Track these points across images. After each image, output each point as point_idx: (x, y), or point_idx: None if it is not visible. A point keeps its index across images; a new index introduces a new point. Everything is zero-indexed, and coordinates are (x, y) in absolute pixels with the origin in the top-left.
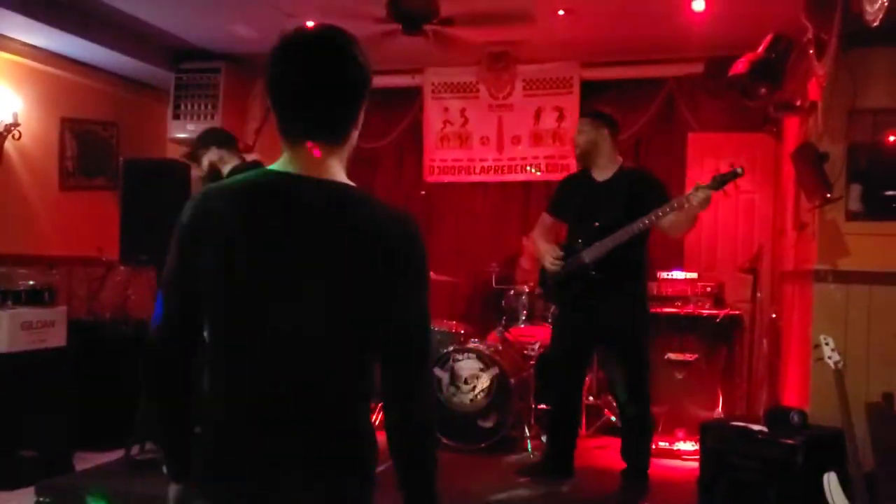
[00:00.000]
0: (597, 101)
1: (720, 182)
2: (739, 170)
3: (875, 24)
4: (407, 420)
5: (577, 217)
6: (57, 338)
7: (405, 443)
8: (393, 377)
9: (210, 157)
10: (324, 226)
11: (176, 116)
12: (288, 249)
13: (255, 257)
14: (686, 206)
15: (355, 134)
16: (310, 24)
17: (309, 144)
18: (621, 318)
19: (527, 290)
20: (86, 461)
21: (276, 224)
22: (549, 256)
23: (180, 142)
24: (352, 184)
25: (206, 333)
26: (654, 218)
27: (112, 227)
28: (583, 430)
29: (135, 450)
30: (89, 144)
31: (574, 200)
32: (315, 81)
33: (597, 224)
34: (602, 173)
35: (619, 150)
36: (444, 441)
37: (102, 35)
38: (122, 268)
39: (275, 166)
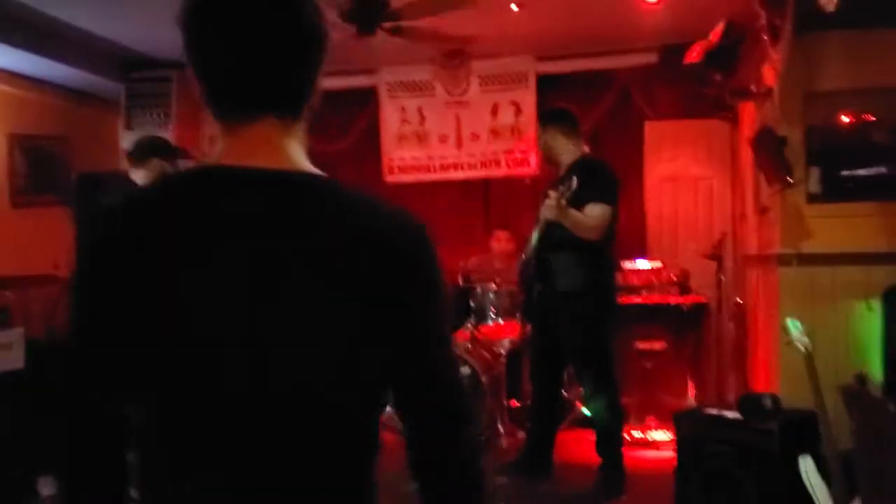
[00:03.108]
0: (553, 94)
1: (563, 193)
2: (574, 183)
3: (830, 9)
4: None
5: None
6: (14, 361)
7: None
8: (420, 445)
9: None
10: (285, 236)
11: (128, 127)
12: (234, 278)
13: (190, 294)
14: (543, 215)
15: (313, 106)
16: None
17: (256, 122)
18: (566, 328)
19: (494, 288)
20: (52, 486)
21: (214, 241)
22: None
23: None
24: (318, 172)
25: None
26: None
27: (67, 244)
28: None
29: None
30: (40, 160)
31: None
32: (258, 29)
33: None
34: (563, 169)
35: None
36: None
37: (49, 48)
38: None
39: (210, 161)
